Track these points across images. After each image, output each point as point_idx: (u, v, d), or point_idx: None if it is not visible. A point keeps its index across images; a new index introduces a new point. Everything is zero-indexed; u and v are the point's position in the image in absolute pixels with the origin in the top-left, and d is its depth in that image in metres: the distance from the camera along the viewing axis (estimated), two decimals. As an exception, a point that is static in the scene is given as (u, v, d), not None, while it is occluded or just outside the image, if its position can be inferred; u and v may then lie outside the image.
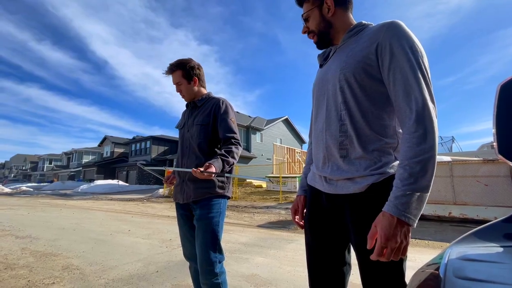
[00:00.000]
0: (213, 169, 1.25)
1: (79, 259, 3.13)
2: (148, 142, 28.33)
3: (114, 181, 22.64)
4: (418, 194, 0.66)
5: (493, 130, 0.64)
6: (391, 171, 0.79)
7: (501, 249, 0.49)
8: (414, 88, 0.72)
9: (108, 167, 30.88)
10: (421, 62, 0.73)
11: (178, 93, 1.58)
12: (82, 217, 6.64)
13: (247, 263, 3.00)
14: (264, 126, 24.26)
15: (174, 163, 1.63)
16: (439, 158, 6.18)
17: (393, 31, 0.76)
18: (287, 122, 26.34)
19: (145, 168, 1.44)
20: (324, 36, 0.95)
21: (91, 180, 26.69)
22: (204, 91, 1.63)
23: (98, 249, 3.59)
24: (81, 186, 20.60)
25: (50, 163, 44.81)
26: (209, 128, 1.49)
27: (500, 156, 0.61)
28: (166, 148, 29.08)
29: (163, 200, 12.01)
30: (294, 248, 3.66)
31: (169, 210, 8.52)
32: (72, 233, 4.61)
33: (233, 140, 1.45)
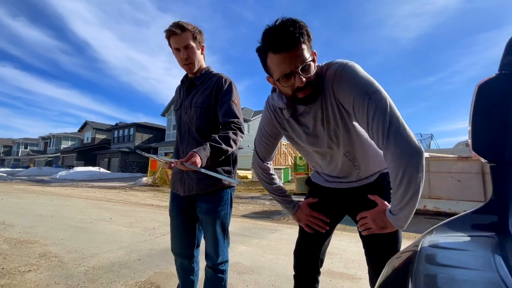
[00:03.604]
0: (197, 160, 1.03)
1: (57, 246, 3.04)
2: (132, 129, 27.54)
3: (95, 168, 21.95)
4: None
5: (469, 128, 0.67)
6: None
7: (468, 238, 0.53)
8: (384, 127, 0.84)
9: (88, 153, 29.83)
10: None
11: (182, 60, 1.30)
12: (60, 204, 6.42)
13: (230, 251, 3.01)
14: (252, 117, 24.19)
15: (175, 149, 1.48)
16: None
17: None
18: (274, 114, 26.35)
19: (145, 154, 1.25)
20: (318, 88, 0.89)
21: (71, 167, 25.76)
22: (204, 64, 1.41)
23: (78, 236, 3.51)
24: (60, 173, 19.84)
25: (26, 147, 42.63)
26: (210, 111, 1.30)
27: (473, 153, 0.65)
28: (150, 136, 28.42)
29: (147, 189, 11.82)
30: (277, 237, 3.74)
31: (153, 198, 8.42)
32: (49, 220, 4.47)
33: (232, 125, 1.22)
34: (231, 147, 1.18)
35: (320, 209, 1.13)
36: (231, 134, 1.18)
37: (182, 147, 1.36)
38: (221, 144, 1.13)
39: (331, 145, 0.98)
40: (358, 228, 1.02)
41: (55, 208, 5.75)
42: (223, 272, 1.32)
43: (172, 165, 1.28)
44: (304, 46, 0.80)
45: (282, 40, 0.78)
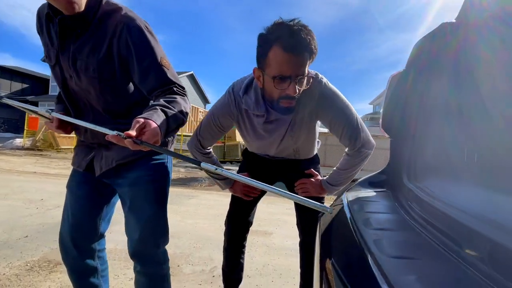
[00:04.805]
0: (154, 131, 0.65)
1: None
2: (-6, 74, 20.51)
3: None
4: None
5: (381, 110, 0.85)
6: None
7: (376, 193, 0.72)
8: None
9: None
10: None
11: None
12: None
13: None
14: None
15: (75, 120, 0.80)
16: (320, 129, 7.67)
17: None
18: (192, 78, 24.89)
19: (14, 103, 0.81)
20: (298, 104, 0.92)
21: None
22: None
23: None
24: None
25: None
26: (116, 82, 0.84)
27: (382, 130, 0.84)
28: (25, 86, 22.04)
29: (24, 153, 9.41)
30: (195, 203, 3.80)
31: (35, 165, 6.82)
32: None
33: (175, 89, 0.83)
34: (184, 116, 0.80)
35: (255, 177, 1.23)
36: (179, 98, 0.80)
37: (86, 121, 0.88)
38: (173, 109, 0.75)
39: (283, 143, 1.09)
40: (294, 190, 1.20)
41: None
42: (164, 277, 1.01)
43: (66, 129, 0.91)
44: (309, 62, 0.81)
45: (298, 43, 0.75)
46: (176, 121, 0.75)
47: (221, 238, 2.41)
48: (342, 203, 0.64)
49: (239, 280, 1.33)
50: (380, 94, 20.16)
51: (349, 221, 0.49)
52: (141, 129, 0.64)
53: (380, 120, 0.85)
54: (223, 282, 1.35)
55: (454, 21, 0.73)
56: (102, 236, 1.04)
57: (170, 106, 0.75)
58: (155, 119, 0.67)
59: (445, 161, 0.59)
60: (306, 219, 1.20)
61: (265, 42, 0.81)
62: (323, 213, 1.18)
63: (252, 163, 1.29)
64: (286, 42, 0.76)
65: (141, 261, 0.95)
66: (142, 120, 0.64)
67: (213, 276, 1.78)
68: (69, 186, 0.99)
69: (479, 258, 0.30)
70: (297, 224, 1.25)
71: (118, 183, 0.94)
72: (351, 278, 0.31)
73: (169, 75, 0.83)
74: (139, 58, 0.80)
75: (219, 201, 3.95)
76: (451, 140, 0.63)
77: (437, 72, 0.76)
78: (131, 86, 0.88)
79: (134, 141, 0.60)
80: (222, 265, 1.33)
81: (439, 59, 0.76)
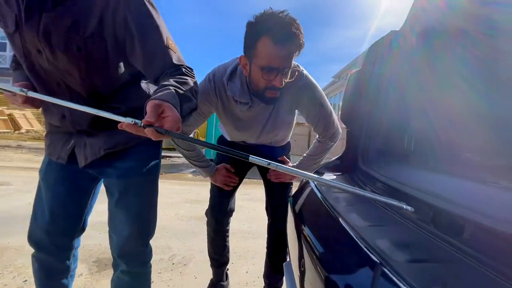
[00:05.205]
0: (175, 115, 0.54)
1: None
2: None
3: None
4: None
5: (340, 103, 0.96)
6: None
7: (336, 176, 0.82)
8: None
9: None
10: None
11: None
12: None
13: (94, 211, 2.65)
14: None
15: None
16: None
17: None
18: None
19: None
20: (281, 94, 0.95)
21: None
22: None
23: None
24: None
25: None
26: (107, 63, 0.71)
27: (340, 121, 0.95)
28: None
29: None
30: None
31: None
32: None
33: (184, 70, 0.71)
34: (195, 98, 0.69)
35: (233, 165, 1.25)
36: (190, 80, 0.68)
37: (64, 105, 0.75)
38: (187, 92, 0.64)
39: (264, 133, 1.12)
40: (266, 176, 1.26)
41: None
42: (145, 275, 0.94)
43: (33, 104, 0.74)
44: (295, 55, 0.84)
45: (289, 36, 0.77)
46: (189, 105, 0.64)
47: (176, 226, 2.40)
48: (311, 186, 0.73)
49: (227, 262, 1.37)
50: (326, 86, 21.71)
51: (321, 200, 0.57)
52: (159, 115, 0.52)
53: (340, 112, 0.96)
54: (212, 267, 1.37)
55: (398, 29, 0.87)
56: (84, 229, 0.94)
57: (183, 88, 0.63)
58: (171, 100, 0.55)
59: (391, 147, 0.72)
60: (274, 204, 1.28)
61: (255, 31, 0.81)
62: (290, 197, 1.29)
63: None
64: (276, 34, 0.77)
65: (128, 260, 0.85)
66: (157, 102, 0.52)
67: (173, 264, 1.77)
68: (45, 179, 0.84)
69: (425, 220, 0.40)
70: (266, 208, 1.32)
71: (106, 172, 0.82)
72: (335, 243, 0.38)
73: (176, 60, 0.70)
74: (142, 40, 0.67)
75: (171, 190, 3.84)
76: (396, 130, 0.76)
77: (386, 71, 0.89)
78: (121, 65, 0.75)
79: (158, 131, 0.49)
80: (209, 253, 1.35)
81: (387, 60, 0.90)
